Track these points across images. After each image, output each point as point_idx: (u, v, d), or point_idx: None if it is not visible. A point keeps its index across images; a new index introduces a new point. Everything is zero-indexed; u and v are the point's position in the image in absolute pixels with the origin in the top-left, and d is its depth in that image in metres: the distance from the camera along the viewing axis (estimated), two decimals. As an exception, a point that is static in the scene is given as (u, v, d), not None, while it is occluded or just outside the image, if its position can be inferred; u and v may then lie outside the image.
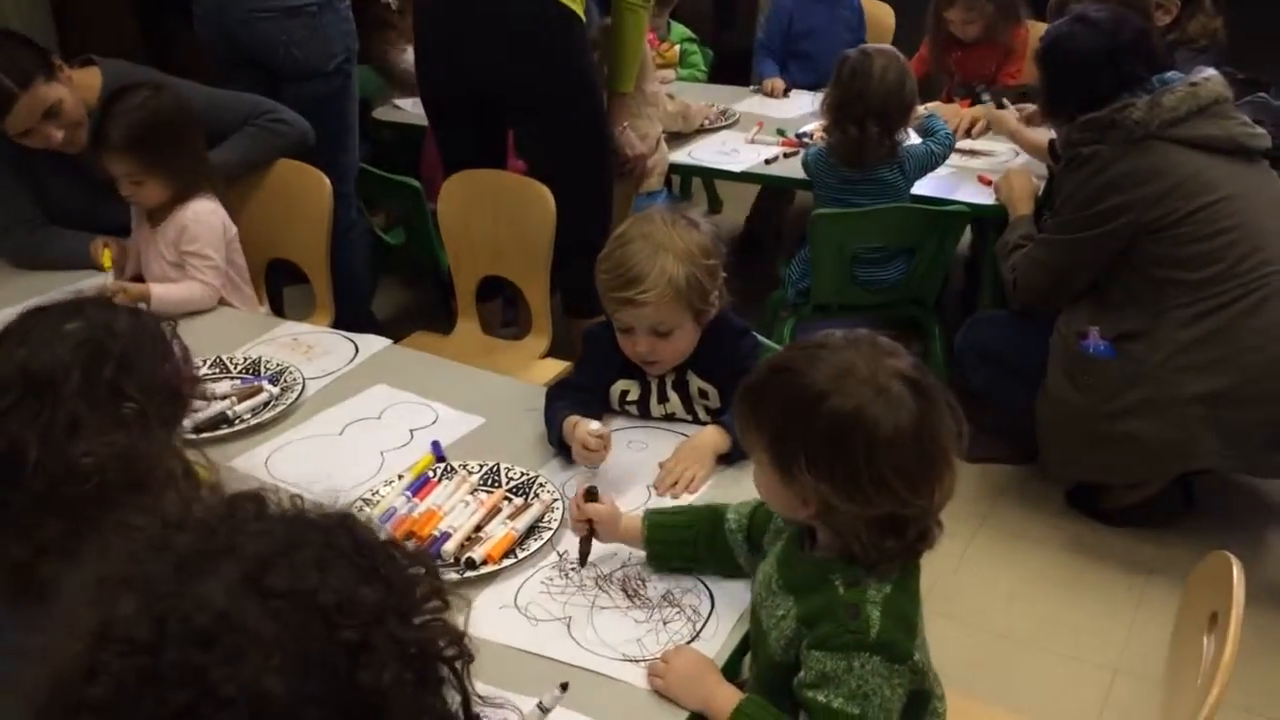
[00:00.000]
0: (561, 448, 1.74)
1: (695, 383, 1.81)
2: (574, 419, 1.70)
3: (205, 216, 2.35)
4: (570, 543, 1.54)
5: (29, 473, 1.11)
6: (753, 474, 1.30)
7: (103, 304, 1.29)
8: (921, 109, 3.11)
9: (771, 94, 4.02)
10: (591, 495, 1.50)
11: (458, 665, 0.78)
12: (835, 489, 1.16)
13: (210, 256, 2.32)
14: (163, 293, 2.26)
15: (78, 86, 2.42)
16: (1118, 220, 2.41)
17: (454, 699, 0.78)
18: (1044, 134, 3.07)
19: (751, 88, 4.15)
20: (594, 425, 1.67)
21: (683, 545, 1.47)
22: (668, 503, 1.63)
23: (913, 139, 3.02)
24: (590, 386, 1.84)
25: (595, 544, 1.51)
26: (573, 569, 1.50)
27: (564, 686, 1.26)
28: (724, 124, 3.66)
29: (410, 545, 0.83)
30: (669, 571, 1.49)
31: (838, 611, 1.18)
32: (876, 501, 1.15)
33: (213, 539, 0.74)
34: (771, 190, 4.19)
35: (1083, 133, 2.45)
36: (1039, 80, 2.69)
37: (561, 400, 1.78)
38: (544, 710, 1.24)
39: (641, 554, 1.50)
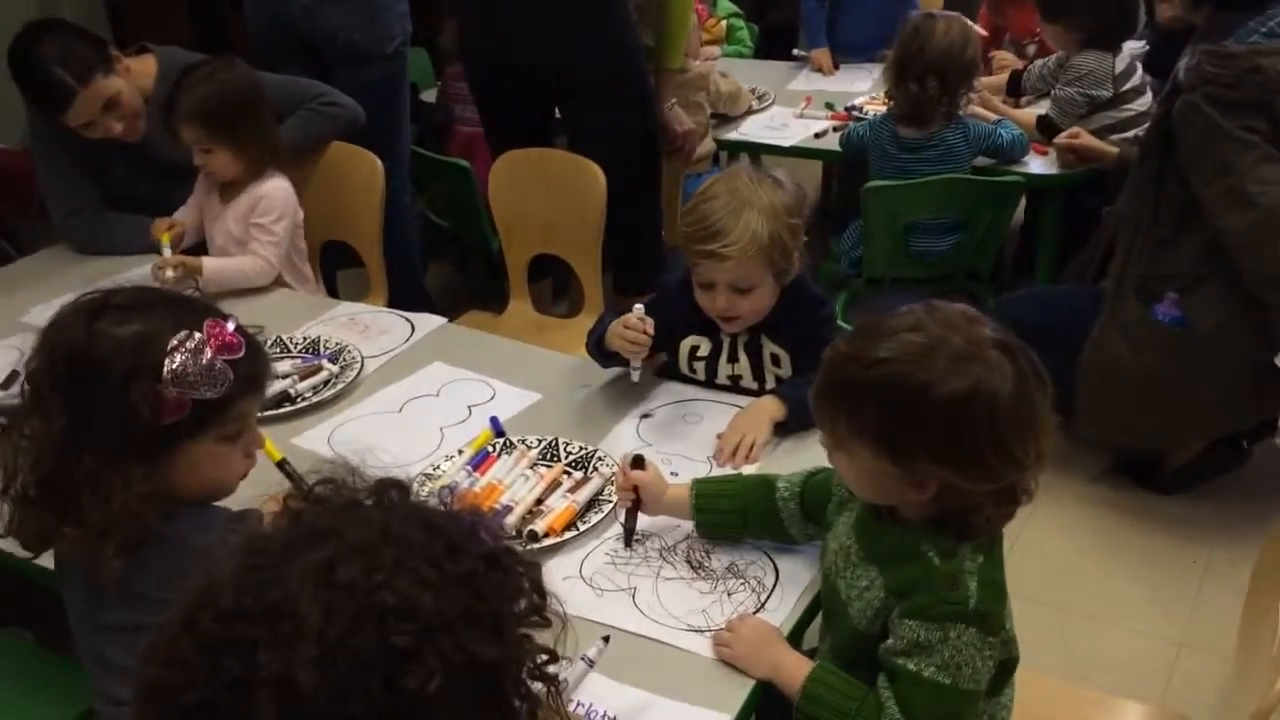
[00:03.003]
0: (599, 351, 1.79)
1: (769, 347, 1.80)
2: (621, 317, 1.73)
3: (280, 193, 2.39)
4: (628, 521, 1.55)
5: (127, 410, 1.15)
6: (835, 462, 1.25)
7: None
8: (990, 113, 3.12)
9: (820, 70, 3.97)
10: (638, 464, 1.50)
11: (551, 687, 0.79)
12: (960, 471, 1.13)
13: (275, 232, 2.36)
14: (216, 265, 2.30)
15: (134, 75, 2.44)
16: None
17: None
18: (1030, 113, 3.12)
19: (795, 51, 4.09)
20: (638, 307, 1.63)
21: (732, 514, 1.46)
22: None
23: None
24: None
25: (647, 518, 1.51)
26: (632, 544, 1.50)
27: (606, 639, 1.27)
28: (764, 106, 3.62)
29: (523, 550, 0.81)
30: (717, 540, 1.48)
31: (935, 582, 1.17)
32: (1004, 473, 1.13)
33: (329, 520, 0.74)
34: (847, 165, 4.08)
35: (1218, 67, 2.22)
36: None
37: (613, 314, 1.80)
38: (590, 664, 1.25)
39: (704, 526, 1.51)
